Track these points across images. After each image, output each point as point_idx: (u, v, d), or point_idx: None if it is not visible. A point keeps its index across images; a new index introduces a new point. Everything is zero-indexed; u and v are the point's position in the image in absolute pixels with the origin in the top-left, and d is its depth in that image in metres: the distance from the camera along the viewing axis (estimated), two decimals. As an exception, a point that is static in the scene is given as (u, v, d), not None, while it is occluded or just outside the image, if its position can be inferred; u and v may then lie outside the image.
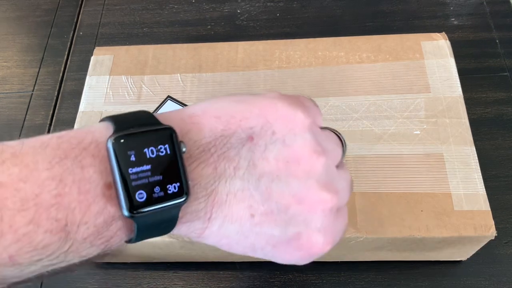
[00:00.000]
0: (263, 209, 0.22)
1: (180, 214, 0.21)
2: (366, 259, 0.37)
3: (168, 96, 0.39)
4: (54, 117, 0.48)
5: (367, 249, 0.35)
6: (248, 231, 0.22)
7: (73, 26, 0.55)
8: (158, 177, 0.20)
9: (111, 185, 0.19)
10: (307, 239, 0.22)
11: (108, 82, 0.40)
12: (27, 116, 0.49)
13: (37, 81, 0.51)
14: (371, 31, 0.42)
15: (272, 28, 0.52)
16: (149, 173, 0.19)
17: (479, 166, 0.34)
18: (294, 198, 0.22)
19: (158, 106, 0.39)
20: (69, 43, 0.53)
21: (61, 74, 0.51)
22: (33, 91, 0.50)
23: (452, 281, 0.37)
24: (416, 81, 0.38)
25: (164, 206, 0.20)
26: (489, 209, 0.32)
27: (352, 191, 0.33)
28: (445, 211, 0.32)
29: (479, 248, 0.34)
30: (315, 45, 0.41)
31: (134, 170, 0.19)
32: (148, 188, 0.19)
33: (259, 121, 0.22)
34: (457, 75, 0.38)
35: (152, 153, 0.20)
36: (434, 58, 0.39)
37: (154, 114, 0.21)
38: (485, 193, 0.33)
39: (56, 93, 0.50)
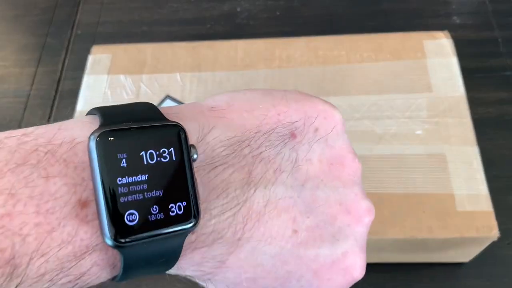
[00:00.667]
0: (308, 222, 0.18)
1: (193, 237, 0.16)
2: (367, 261, 0.37)
3: (167, 96, 0.39)
4: (52, 117, 0.48)
5: (368, 250, 0.34)
6: (289, 254, 0.17)
7: (71, 25, 0.54)
8: (158, 192, 0.15)
9: (88, 202, 0.14)
10: (353, 259, 0.19)
11: (106, 82, 0.40)
12: (24, 116, 0.48)
13: (34, 81, 0.50)
14: (372, 30, 0.42)
15: (272, 27, 0.51)
16: (145, 186, 0.14)
17: (481, 167, 0.33)
18: (342, 207, 0.18)
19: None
20: (67, 42, 0.53)
21: (59, 74, 0.51)
22: (30, 90, 0.50)
23: (454, 282, 0.36)
24: (418, 81, 0.37)
25: (164, 233, 0.15)
26: (492, 209, 0.32)
27: None
28: (447, 212, 0.32)
29: (481, 249, 0.34)
30: (316, 44, 0.40)
31: (125, 180, 0.14)
32: (143, 207, 0.14)
33: (300, 116, 0.18)
34: (459, 74, 0.37)
35: (152, 158, 0.15)
36: (436, 57, 0.38)
37: (160, 107, 0.17)
38: (488, 193, 0.32)
39: (54, 92, 0.49)
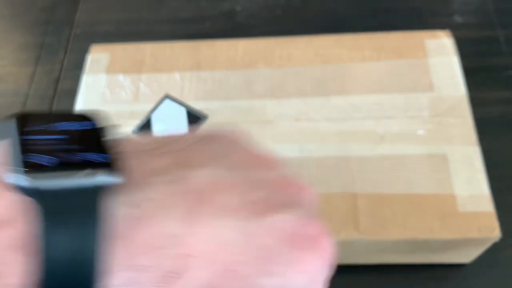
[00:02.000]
0: (260, 194, 0.16)
1: (133, 200, 0.14)
2: (368, 262, 0.37)
3: (166, 95, 0.38)
4: (51, 116, 0.48)
5: (369, 251, 0.34)
6: (254, 224, 0.15)
7: (70, 24, 0.54)
8: (76, 147, 0.13)
9: None
10: (315, 226, 0.16)
11: (105, 81, 0.40)
12: (23, 115, 0.48)
13: (33, 80, 0.50)
14: (373, 29, 0.42)
15: (273, 26, 0.51)
16: (63, 142, 0.13)
17: (483, 167, 0.33)
18: (282, 181, 0.17)
19: (156, 105, 0.38)
20: (65, 41, 0.52)
21: (57, 73, 0.50)
22: (29, 90, 0.49)
23: (456, 284, 0.36)
24: (420, 80, 0.37)
25: (87, 175, 0.12)
26: (494, 210, 0.32)
27: (354, 192, 0.33)
28: (449, 213, 0.32)
29: (483, 250, 0.34)
30: (317, 42, 0.40)
31: (43, 137, 0.13)
32: (63, 153, 0.13)
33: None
34: (461, 74, 0.37)
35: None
36: (437, 56, 0.38)
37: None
38: (490, 194, 0.32)
39: (52, 92, 0.49)
